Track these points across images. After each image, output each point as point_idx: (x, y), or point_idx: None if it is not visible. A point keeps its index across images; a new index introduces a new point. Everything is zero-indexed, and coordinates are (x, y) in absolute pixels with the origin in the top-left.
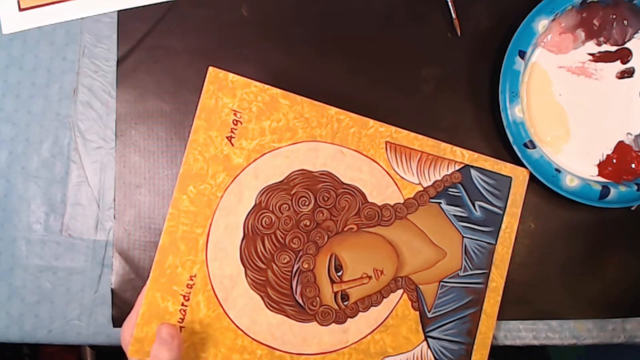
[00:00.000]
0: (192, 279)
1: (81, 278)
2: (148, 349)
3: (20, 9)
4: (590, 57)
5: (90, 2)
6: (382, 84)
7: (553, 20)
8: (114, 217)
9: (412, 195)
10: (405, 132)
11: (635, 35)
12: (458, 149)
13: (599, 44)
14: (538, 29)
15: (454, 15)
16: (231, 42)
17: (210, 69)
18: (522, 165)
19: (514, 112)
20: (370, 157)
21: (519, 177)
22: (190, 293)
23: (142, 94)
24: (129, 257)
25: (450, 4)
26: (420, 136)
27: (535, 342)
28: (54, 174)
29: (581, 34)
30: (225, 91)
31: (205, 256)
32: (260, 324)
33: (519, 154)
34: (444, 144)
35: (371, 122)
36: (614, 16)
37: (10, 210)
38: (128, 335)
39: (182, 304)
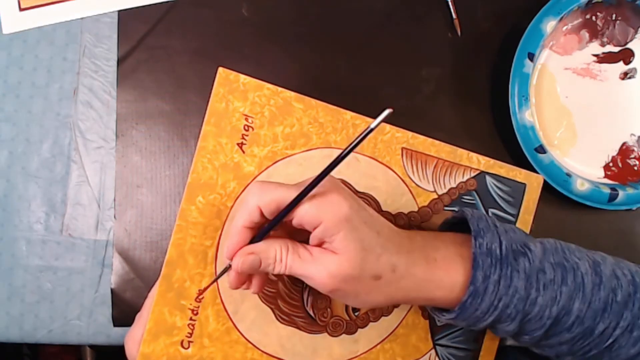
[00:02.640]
0: (201, 293)
1: (81, 278)
2: None
3: (21, 9)
4: (595, 59)
5: (90, 2)
6: (382, 84)
7: (559, 21)
8: (114, 217)
9: (426, 204)
10: (422, 137)
11: (637, 35)
12: (474, 155)
13: (602, 45)
14: (546, 30)
15: (454, 15)
16: (231, 42)
17: (220, 69)
18: (531, 168)
19: (523, 116)
20: (386, 164)
21: (533, 184)
22: (199, 307)
23: (142, 94)
24: (129, 257)
25: (450, 4)
26: (437, 142)
27: None
28: (54, 173)
29: (585, 34)
30: (236, 94)
31: (215, 269)
32: (270, 337)
33: (531, 160)
34: (460, 150)
35: (388, 127)
36: (616, 16)
37: (10, 210)
38: (134, 350)
39: (191, 319)
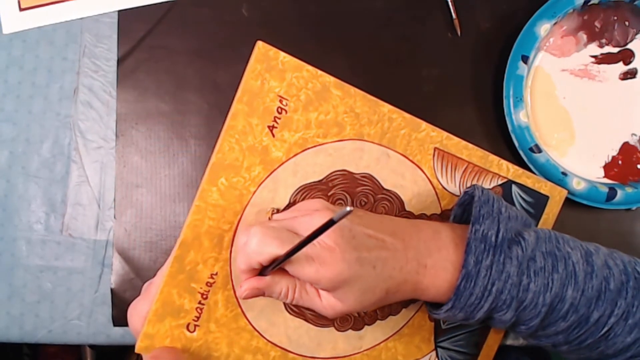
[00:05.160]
0: (212, 277)
1: (81, 278)
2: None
3: (21, 9)
4: (593, 60)
5: (90, 2)
6: (382, 84)
7: (555, 23)
8: (114, 217)
9: (449, 207)
10: (457, 139)
11: (637, 36)
12: (504, 163)
13: (601, 46)
14: (540, 33)
15: (454, 16)
16: (231, 42)
17: (260, 43)
18: (527, 167)
19: (518, 116)
20: (416, 164)
21: (556, 197)
22: (209, 291)
23: (142, 94)
24: (129, 257)
25: (450, 4)
26: (470, 145)
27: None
28: (54, 173)
29: (583, 36)
30: (274, 73)
31: (230, 254)
32: (277, 327)
33: (525, 159)
34: (492, 156)
35: (423, 124)
36: (615, 18)
37: (10, 210)
38: (139, 325)
39: (199, 302)
